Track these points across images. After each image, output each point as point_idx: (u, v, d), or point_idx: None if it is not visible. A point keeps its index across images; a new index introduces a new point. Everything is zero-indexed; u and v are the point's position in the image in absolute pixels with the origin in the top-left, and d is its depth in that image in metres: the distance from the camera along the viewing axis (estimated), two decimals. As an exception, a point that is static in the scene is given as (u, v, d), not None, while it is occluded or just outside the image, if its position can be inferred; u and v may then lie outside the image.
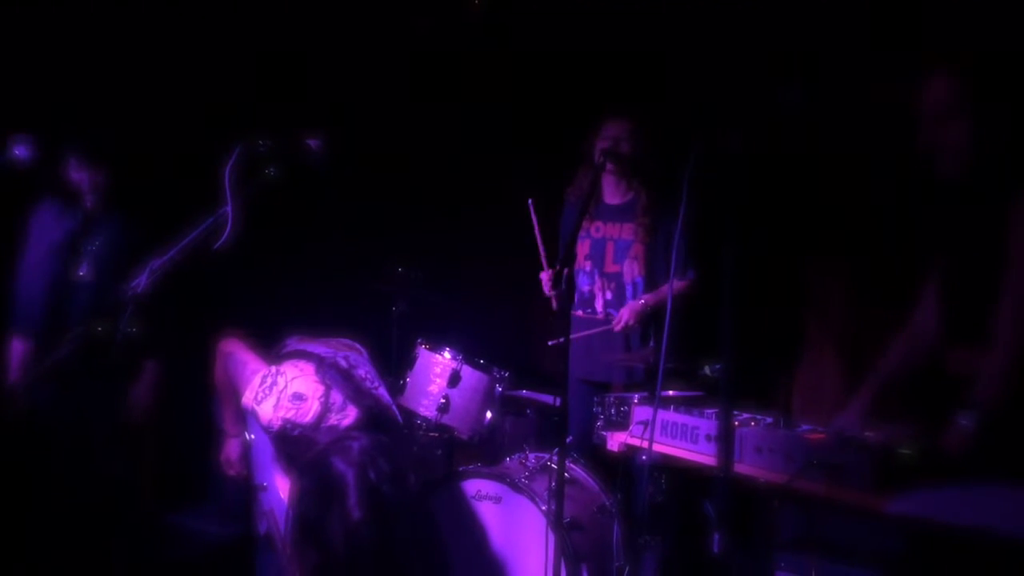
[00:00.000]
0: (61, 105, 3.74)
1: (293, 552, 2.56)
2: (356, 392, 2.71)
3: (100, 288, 3.52)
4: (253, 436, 3.02)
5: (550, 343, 3.49)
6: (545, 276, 3.64)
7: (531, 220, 3.56)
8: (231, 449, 3.07)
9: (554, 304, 3.63)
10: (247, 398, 2.68)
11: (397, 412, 2.94)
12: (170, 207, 3.54)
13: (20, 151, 3.42)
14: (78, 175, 3.60)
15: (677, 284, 3.54)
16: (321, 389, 2.65)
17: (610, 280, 3.74)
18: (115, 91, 3.97)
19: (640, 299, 3.65)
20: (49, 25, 3.98)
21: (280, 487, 2.89)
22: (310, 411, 2.63)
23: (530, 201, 3.56)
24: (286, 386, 2.64)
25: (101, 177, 3.61)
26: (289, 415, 2.62)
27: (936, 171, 2.29)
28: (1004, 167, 2.23)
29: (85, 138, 3.62)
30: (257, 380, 2.68)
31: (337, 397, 2.67)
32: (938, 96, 2.24)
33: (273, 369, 2.69)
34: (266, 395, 2.64)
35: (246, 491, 3.12)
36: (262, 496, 2.98)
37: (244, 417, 2.99)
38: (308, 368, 2.69)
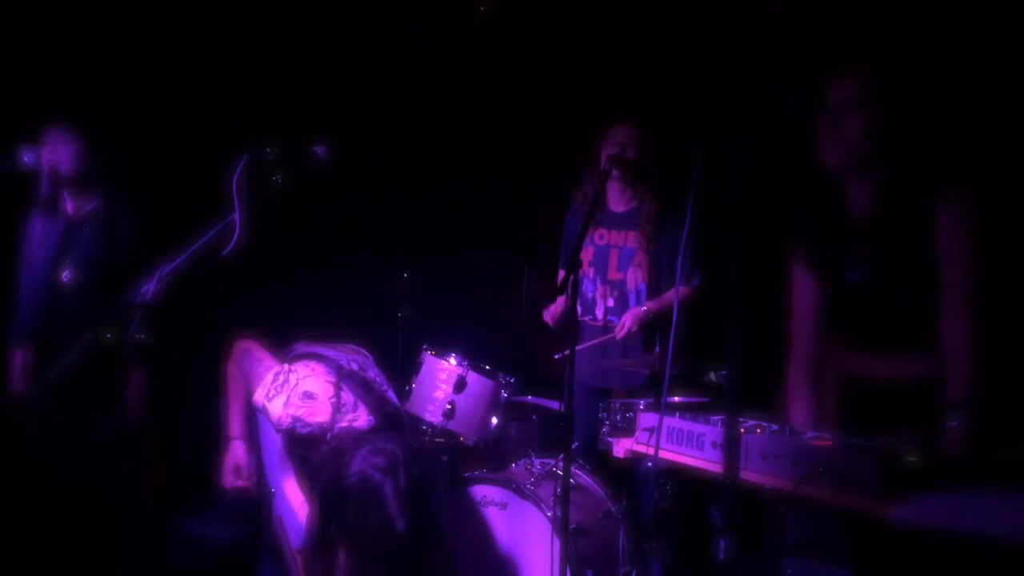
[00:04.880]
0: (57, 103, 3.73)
1: (315, 559, 2.54)
2: (368, 394, 2.71)
3: (84, 294, 3.48)
4: (263, 440, 3.00)
5: (556, 356, 3.45)
6: (548, 314, 3.76)
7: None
8: (237, 453, 2.89)
9: (549, 321, 3.75)
10: (258, 395, 2.67)
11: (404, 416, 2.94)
12: (150, 210, 3.57)
13: (28, 158, 3.44)
14: (53, 154, 3.47)
15: (682, 290, 3.55)
16: (331, 390, 2.65)
17: (613, 288, 3.75)
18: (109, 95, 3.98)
19: (643, 306, 3.65)
20: (51, 22, 4.01)
21: (289, 493, 2.87)
22: (320, 411, 2.62)
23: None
24: (297, 384, 2.63)
25: (79, 154, 3.50)
26: (299, 413, 2.61)
27: (825, 161, 2.45)
28: (915, 171, 2.37)
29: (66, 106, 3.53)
30: (269, 377, 2.68)
31: (348, 398, 2.67)
32: (841, 93, 2.41)
33: (286, 367, 2.69)
34: (277, 392, 2.63)
35: (252, 497, 3.10)
36: (270, 502, 2.96)
37: (251, 419, 2.96)
38: (319, 368, 2.69)
